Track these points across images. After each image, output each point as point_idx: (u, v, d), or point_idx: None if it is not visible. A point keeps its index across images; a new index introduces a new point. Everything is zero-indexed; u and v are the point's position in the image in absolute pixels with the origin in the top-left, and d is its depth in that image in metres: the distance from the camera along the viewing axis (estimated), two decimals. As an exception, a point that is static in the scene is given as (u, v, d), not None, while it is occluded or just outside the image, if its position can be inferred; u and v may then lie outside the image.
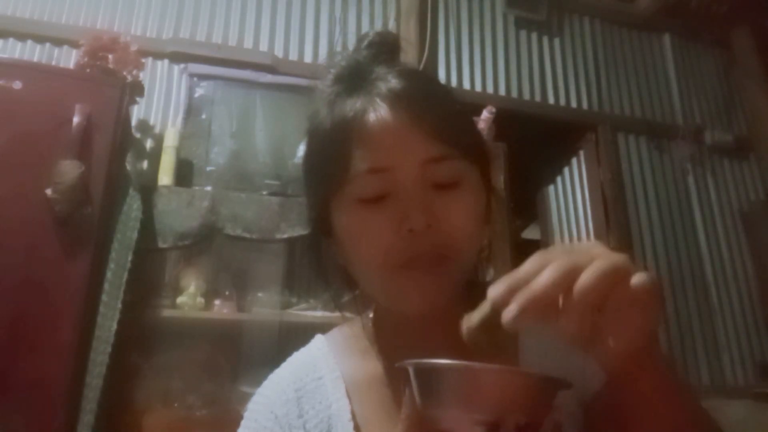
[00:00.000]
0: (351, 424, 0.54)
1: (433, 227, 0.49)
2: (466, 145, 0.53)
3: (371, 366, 0.59)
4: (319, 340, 0.65)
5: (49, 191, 1.47)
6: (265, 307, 1.90)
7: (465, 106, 0.60)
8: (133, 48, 1.86)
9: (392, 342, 0.59)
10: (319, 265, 0.61)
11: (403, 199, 0.50)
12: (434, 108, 0.53)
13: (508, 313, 0.34)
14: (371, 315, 0.64)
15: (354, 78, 0.55)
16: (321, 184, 0.56)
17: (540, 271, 0.34)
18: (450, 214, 0.51)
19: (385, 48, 0.59)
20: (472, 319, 0.37)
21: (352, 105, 0.53)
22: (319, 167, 0.56)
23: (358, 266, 0.55)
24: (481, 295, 0.57)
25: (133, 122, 2.02)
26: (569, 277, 0.33)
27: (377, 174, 0.51)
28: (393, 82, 0.53)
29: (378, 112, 0.52)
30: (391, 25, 2.56)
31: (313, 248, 0.61)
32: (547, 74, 2.80)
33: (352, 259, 0.55)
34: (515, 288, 0.35)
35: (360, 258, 0.53)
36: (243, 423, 0.60)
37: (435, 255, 0.50)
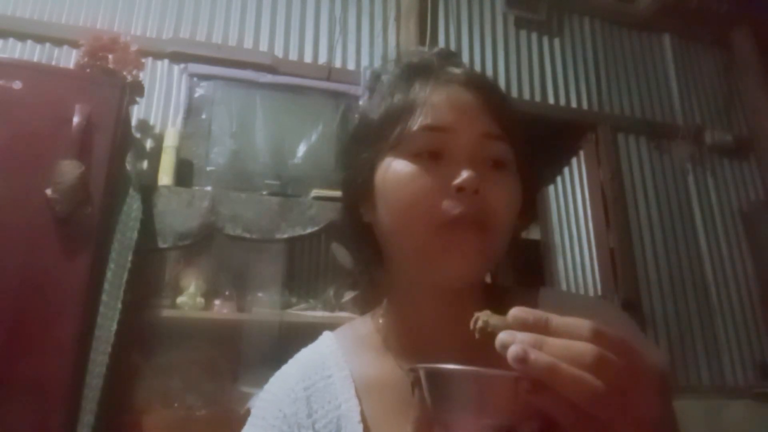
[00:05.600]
0: (360, 426, 0.53)
1: (480, 195, 0.50)
2: (517, 140, 0.56)
3: (381, 366, 0.58)
4: (327, 337, 0.65)
5: (49, 191, 1.47)
6: (265, 307, 1.90)
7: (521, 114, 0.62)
8: (133, 48, 1.86)
9: (403, 340, 0.59)
10: (355, 231, 0.61)
11: (457, 160, 0.52)
12: (498, 97, 0.57)
13: (505, 342, 0.32)
14: (382, 313, 0.63)
15: (426, 68, 0.58)
16: (377, 142, 0.56)
17: (574, 336, 0.32)
18: (496, 190, 0.52)
19: (453, 57, 0.61)
20: (490, 322, 0.36)
21: (423, 82, 0.56)
22: (379, 126, 0.57)
23: (399, 222, 0.53)
24: (495, 298, 0.57)
25: (133, 122, 2.02)
26: (596, 365, 0.31)
27: (438, 132, 0.53)
28: (462, 70, 0.57)
29: (448, 86, 0.55)
30: (391, 25, 2.57)
31: (351, 214, 0.61)
32: (547, 74, 2.80)
33: (393, 216, 0.54)
34: (537, 328, 0.33)
35: (404, 212, 0.52)
36: (250, 420, 0.59)
37: (477, 220, 0.50)
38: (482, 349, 0.58)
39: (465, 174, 0.50)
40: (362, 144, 0.59)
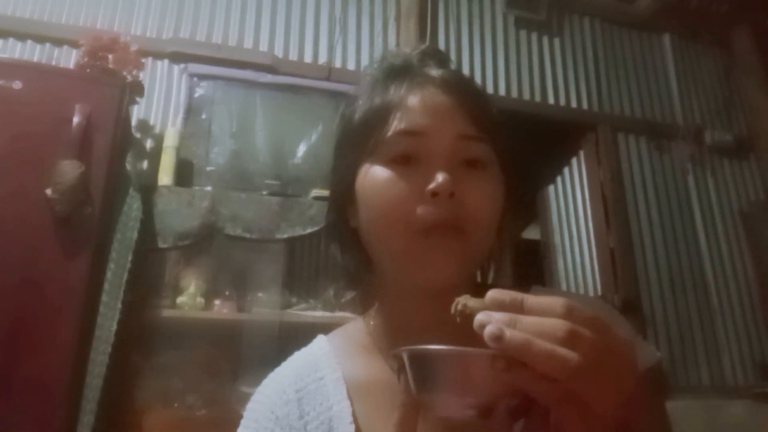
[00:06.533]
0: (352, 427, 0.53)
1: (456, 198, 0.50)
2: (496, 139, 0.56)
3: (373, 367, 0.59)
4: (320, 340, 0.65)
5: (49, 191, 1.47)
6: (265, 307, 1.91)
7: (500, 111, 0.61)
8: (133, 48, 1.86)
9: (394, 342, 0.58)
10: (342, 235, 0.62)
11: (432, 164, 0.52)
12: (474, 97, 0.57)
13: (482, 321, 0.33)
14: (374, 315, 0.63)
15: (404, 69, 0.58)
16: (356, 148, 0.56)
17: (548, 314, 0.33)
18: (473, 191, 0.52)
19: (436, 56, 0.61)
20: (468, 305, 0.37)
21: (398, 84, 0.56)
22: (357, 132, 0.57)
23: (377, 229, 0.54)
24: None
25: (133, 122, 2.02)
26: (569, 340, 0.32)
27: (412, 136, 0.53)
28: (440, 71, 0.57)
29: (423, 88, 0.55)
30: (391, 25, 2.57)
31: (337, 219, 0.61)
32: (547, 74, 2.80)
33: (372, 223, 0.54)
34: (513, 308, 0.34)
35: (381, 219, 0.53)
36: (243, 423, 0.60)
37: (453, 225, 0.51)
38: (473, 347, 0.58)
39: (439, 178, 0.50)
40: (344, 149, 0.59)
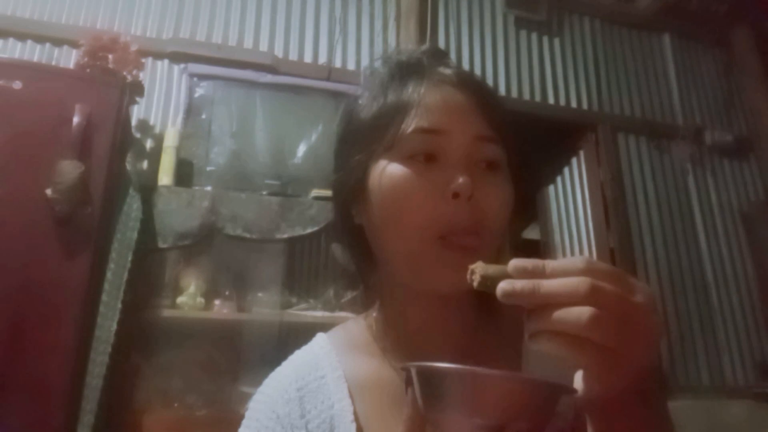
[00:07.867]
0: (353, 425, 0.53)
1: (474, 198, 0.50)
2: (507, 140, 0.56)
3: (374, 365, 0.58)
4: (320, 338, 0.65)
5: (49, 191, 1.47)
6: (265, 307, 1.91)
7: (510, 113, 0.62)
8: (133, 48, 1.86)
9: (396, 341, 0.59)
10: (346, 233, 0.61)
11: (453, 163, 0.52)
12: (490, 97, 0.57)
13: (505, 290, 0.34)
14: (375, 314, 0.63)
15: (416, 67, 0.58)
16: (368, 144, 0.55)
17: (570, 275, 0.34)
18: (490, 193, 0.52)
19: (442, 55, 0.61)
20: (488, 269, 0.37)
21: (417, 82, 0.55)
22: (370, 128, 0.56)
23: (392, 227, 0.53)
24: (485, 298, 0.57)
25: (133, 122, 2.02)
26: (590, 299, 0.33)
27: (432, 134, 0.52)
28: (454, 70, 0.57)
29: (440, 87, 0.55)
30: (391, 25, 2.57)
31: (342, 216, 0.61)
32: (547, 74, 2.80)
33: (387, 220, 0.53)
34: (536, 274, 0.35)
35: (399, 217, 0.52)
36: (244, 422, 0.60)
37: (472, 226, 0.50)
38: (473, 348, 0.58)
39: (460, 180, 0.50)
40: (354, 145, 0.58)
